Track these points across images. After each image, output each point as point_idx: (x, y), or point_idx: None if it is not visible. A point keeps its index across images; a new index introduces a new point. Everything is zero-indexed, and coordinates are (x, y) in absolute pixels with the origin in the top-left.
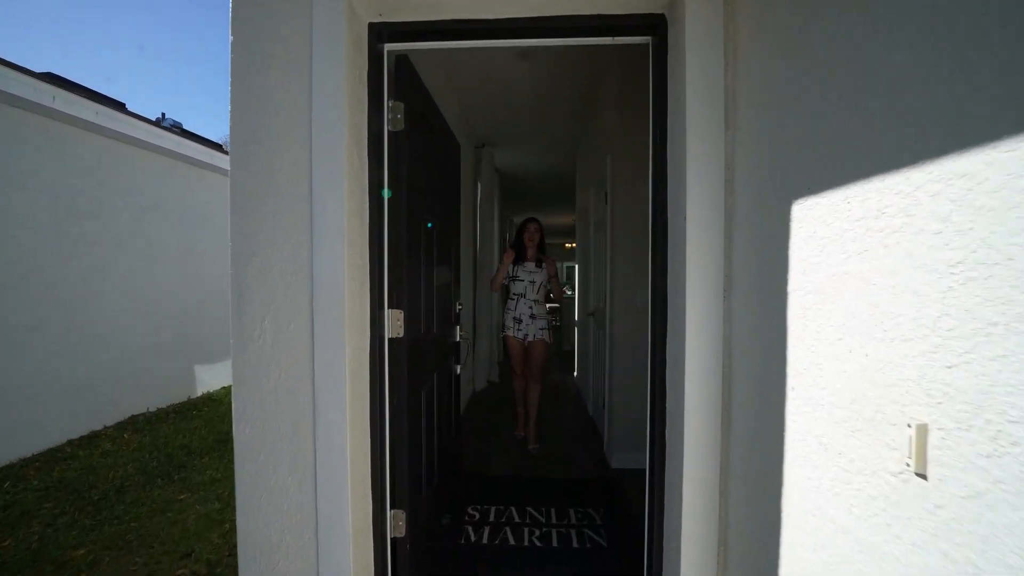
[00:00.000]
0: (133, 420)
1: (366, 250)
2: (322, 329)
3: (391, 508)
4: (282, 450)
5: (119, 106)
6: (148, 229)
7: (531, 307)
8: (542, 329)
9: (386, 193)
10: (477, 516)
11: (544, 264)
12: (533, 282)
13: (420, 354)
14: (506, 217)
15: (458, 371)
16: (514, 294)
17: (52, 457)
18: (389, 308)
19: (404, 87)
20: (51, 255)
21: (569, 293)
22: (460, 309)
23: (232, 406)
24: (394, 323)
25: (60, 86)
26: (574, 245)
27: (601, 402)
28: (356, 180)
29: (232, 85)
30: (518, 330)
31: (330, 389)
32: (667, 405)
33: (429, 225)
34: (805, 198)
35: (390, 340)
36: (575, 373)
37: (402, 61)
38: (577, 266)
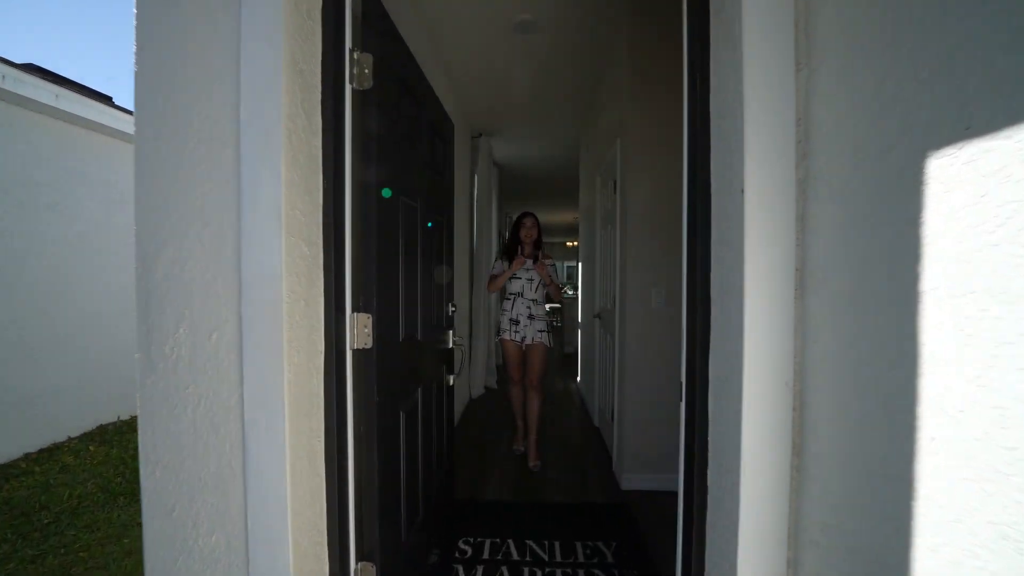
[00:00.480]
0: (102, 430)
1: (318, 238)
2: (253, 342)
3: (357, 561)
4: (204, 501)
5: (104, 98)
6: (119, 223)
7: (529, 307)
8: (541, 331)
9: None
10: (469, 552)
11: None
12: (531, 280)
13: (399, 366)
14: (505, 214)
15: (451, 382)
16: (510, 293)
17: (3, 474)
18: (354, 312)
19: (374, 36)
20: (6, 252)
21: (571, 293)
22: (454, 311)
23: (139, 445)
24: (359, 331)
25: (34, 74)
26: (576, 244)
27: (609, 414)
28: (302, 146)
29: (136, 18)
30: (515, 332)
31: (263, 419)
32: (709, 440)
33: (412, 211)
34: (959, 144)
35: (355, 352)
36: (578, 379)
37: (371, 2)
38: (581, 264)
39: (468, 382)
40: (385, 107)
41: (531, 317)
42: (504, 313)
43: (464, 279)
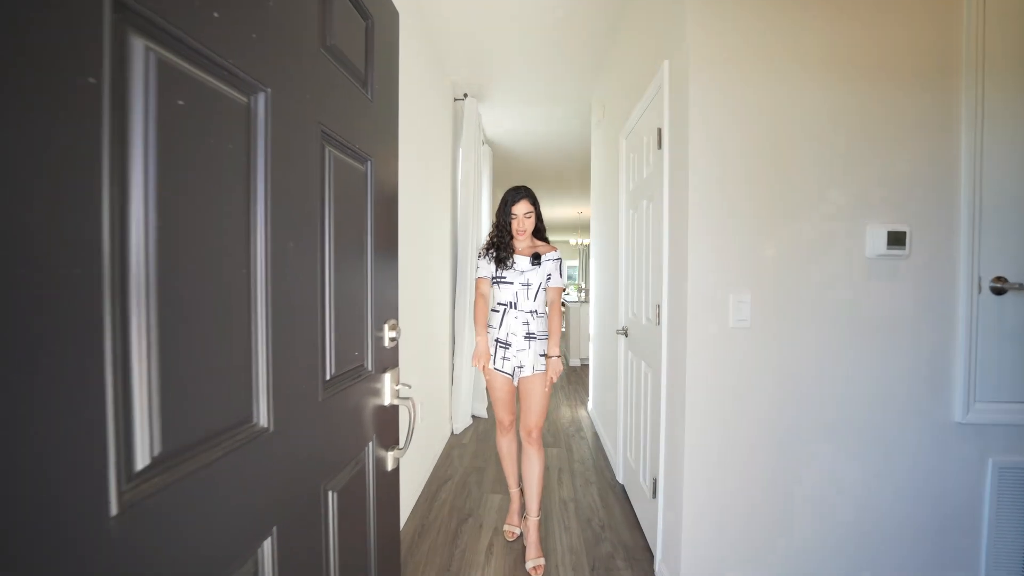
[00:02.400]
0: None
1: None
2: None
3: None
4: None
5: None
6: None
7: (527, 323)
8: (544, 355)
9: None
10: None
11: (540, 261)
12: (527, 285)
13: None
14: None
15: (391, 464)
16: (499, 303)
17: None
18: None
19: None
20: None
21: (577, 296)
22: (395, 339)
23: None
24: None
25: None
26: (585, 242)
27: (648, 483)
28: None
29: None
30: (504, 360)
31: None
32: None
33: (216, 103)
34: None
35: None
36: (590, 405)
37: None
38: (593, 260)
39: (450, 413)
40: None
41: (529, 336)
42: (490, 331)
43: (441, 281)
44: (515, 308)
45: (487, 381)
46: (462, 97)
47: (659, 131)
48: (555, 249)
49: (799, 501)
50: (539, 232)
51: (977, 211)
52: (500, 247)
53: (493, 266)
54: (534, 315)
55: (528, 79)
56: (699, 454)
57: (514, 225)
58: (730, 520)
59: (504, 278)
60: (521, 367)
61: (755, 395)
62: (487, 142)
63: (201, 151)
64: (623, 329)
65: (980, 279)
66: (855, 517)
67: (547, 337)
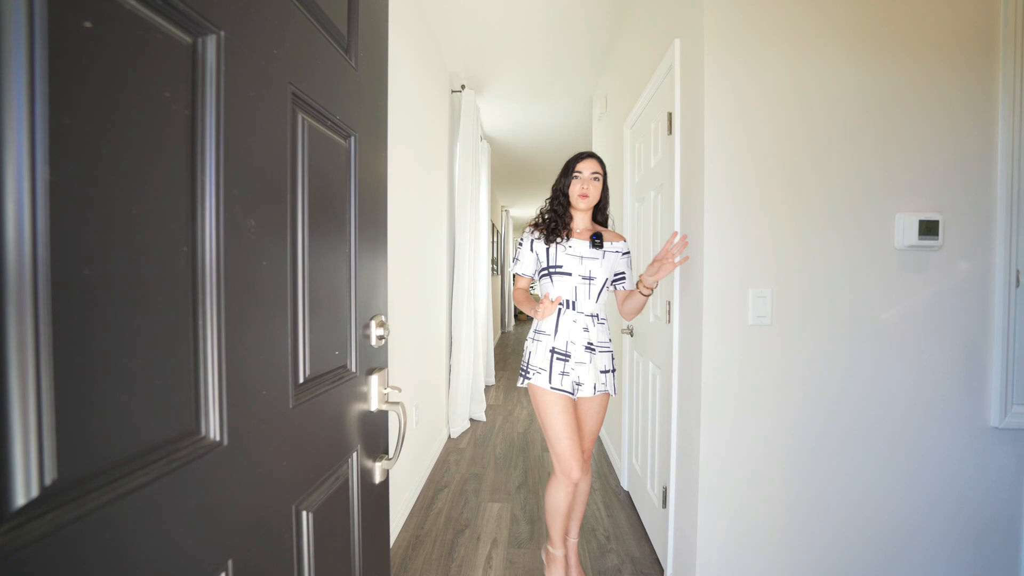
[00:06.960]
0: None
1: None
2: None
3: None
4: None
5: None
6: None
7: (586, 329)
8: (607, 371)
9: None
10: None
11: (601, 245)
12: (590, 279)
13: None
14: (500, 208)
15: (379, 475)
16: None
17: None
18: None
19: None
20: None
21: None
22: (384, 336)
23: None
24: None
25: None
26: None
27: (658, 492)
28: None
29: None
30: (563, 376)
31: None
32: None
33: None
34: None
35: None
36: None
37: None
38: None
39: (447, 416)
40: None
41: (590, 347)
42: (540, 339)
43: (438, 279)
44: (573, 309)
45: (541, 404)
46: (460, 89)
47: (669, 115)
48: (623, 239)
49: (823, 512)
50: (602, 215)
51: (1015, 199)
52: (554, 219)
53: (539, 255)
54: (595, 320)
55: (529, 72)
56: (715, 462)
57: (575, 187)
58: (748, 532)
59: (560, 267)
60: (580, 384)
61: (776, 398)
62: (485, 138)
63: (125, 98)
64: (628, 328)
65: (1019, 272)
66: (884, 529)
67: (609, 350)
